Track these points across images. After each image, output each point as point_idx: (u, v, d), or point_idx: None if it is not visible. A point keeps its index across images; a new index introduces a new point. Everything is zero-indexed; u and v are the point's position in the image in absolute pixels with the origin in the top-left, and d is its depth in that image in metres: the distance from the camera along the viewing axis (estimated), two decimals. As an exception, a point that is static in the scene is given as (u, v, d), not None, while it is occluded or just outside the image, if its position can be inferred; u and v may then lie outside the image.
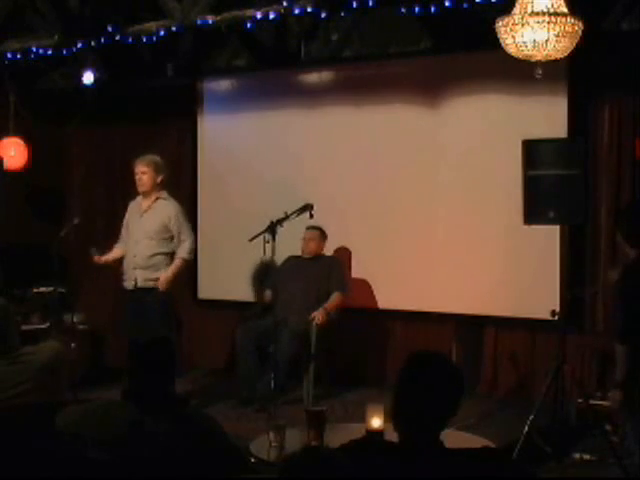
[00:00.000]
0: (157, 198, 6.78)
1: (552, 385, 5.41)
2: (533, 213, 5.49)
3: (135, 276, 6.66)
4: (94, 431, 3.03)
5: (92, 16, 7.07)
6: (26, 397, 3.52)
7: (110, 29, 7.01)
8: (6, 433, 3.32)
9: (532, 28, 4.57)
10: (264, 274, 7.28)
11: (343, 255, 7.44)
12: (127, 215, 6.94)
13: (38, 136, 8.32)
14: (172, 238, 6.69)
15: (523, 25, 4.58)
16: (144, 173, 6.76)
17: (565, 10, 4.61)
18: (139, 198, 6.85)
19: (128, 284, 6.74)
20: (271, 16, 6.45)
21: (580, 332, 6.50)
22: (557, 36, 4.59)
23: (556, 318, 5.68)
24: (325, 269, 7.10)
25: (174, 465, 2.96)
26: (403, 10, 6.21)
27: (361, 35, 6.65)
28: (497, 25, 4.71)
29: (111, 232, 8.86)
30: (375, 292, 7.37)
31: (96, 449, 2.97)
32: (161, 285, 6.59)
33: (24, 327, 6.96)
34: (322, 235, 7.18)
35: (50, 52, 7.40)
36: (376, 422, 4.18)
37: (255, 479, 3.61)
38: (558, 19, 4.56)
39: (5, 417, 3.43)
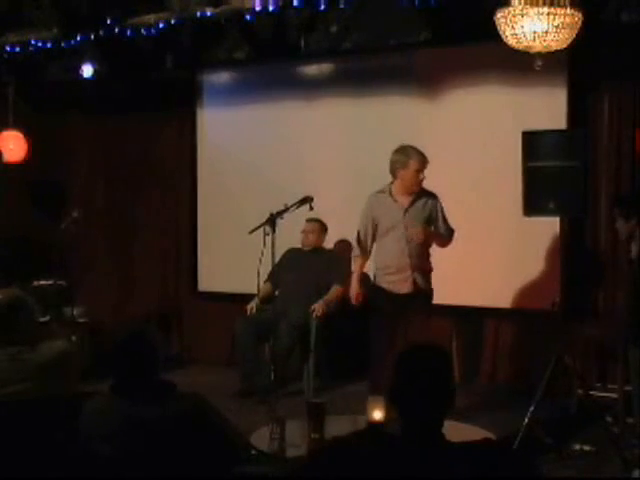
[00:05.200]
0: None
1: (552, 376, 5.41)
2: (533, 205, 5.49)
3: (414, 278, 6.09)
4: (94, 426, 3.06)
5: (91, 9, 7.06)
6: (25, 396, 3.51)
7: (109, 22, 7.01)
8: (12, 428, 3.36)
9: (531, 19, 4.56)
10: (264, 266, 7.28)
11: (343, 247, 7.43)
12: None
13: (37, 129, 8.31)
14: None
15: (522, 16, 4.58)
16: None
17: (565, 1, 4.60)
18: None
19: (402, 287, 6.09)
20: (270, 8, 6.45)
21: (580, 323, 6.49)
22: (557, 27, 4.59)
23: (556, 309, 5.69)
24: (325, 262, 7.10)
25: (169, 450, 2.99)
26: (403, 1, 6.21)
27: (360, 27, 6.64)
28: (497, 16, 4.71)
29: (111, 224, 8.93)
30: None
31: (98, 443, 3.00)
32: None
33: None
34: (322, 227, 7.18)
35: (49, 45, 7.41)
36: (377, 414, 4.18)
37: (255, 471, 3.62)
38: (557, 10, 4.56)
39: (8, 412, 3.45)
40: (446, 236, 6.16)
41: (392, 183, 6.09)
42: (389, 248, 6.06)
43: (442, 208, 6.14)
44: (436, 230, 6.12)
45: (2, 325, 3.69)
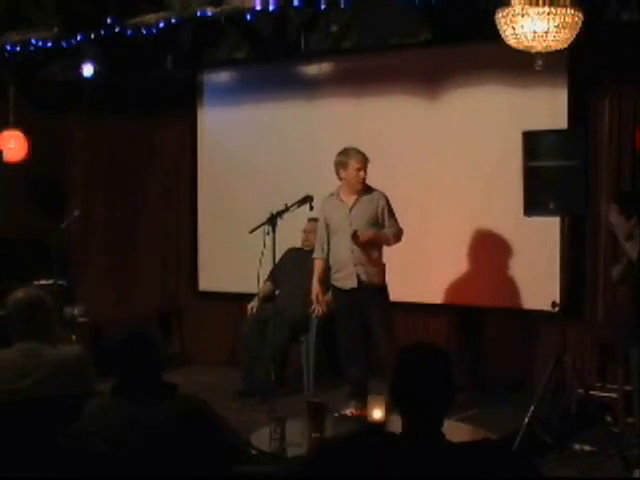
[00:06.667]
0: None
1: (552, 376, 5.41)
2: (533, 204, 5.49)
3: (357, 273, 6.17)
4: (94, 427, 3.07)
5: (91, 8, 7.06)
6: (38, 393, 3.53)
7: (110, 21, 7.00)
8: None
9: (532, 19, 4.56)
10: (264, 266, 7.28)
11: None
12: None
13: (38, 128, 8.31)
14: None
15: (523, 16, 4.58)
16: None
17: (565, 1, 4.60)
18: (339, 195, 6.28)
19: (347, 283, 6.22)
20: (271, 8, 6.45)
21: (580, 323, 6.50)
22: (557, 27, 4.59)
23: (556, 309, 5.69)
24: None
25: (169, 451, 2.99)
26: (403, 1, 6.21)
27: (361, 26, 6.64)
28: (497, 16, 4.71)
29: (111, 224, 8.93)
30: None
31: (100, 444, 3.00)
32: None
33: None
34: (322, 227, 7.18)
35: (50, 44, 7.40)
36: (377, 414, 4.19)
37: (256, 471, 3.62)
38: (558, 10, 4.56)
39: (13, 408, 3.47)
40: (389, 235, 6.26)
41: (340, 185, 6.29)
42: (337, 247, 6.27)
43: (389, 206, 6.26)
44: (380, 229, 6.22)
45: (22, 322, 3.72)
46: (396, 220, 6.26)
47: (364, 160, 6.17)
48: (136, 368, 3.11)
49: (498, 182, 6.81)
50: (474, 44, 6.68)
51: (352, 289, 6.18)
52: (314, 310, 6.70)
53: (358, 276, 6.15)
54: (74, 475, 3.05)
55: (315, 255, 6.45)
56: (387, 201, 6.25)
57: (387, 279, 6.26)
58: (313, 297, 6.46)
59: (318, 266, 6.42)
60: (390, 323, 6.29)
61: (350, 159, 6.16)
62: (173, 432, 3.00)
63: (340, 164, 6.21)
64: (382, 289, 6.25)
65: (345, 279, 6.21)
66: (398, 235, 6.27)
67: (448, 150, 7.11)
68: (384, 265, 6.28)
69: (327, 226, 6.32)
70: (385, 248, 6.30)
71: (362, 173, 6.17)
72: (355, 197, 6.22)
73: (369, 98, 7.44)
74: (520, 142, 5.51)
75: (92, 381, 3.75)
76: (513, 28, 4.64)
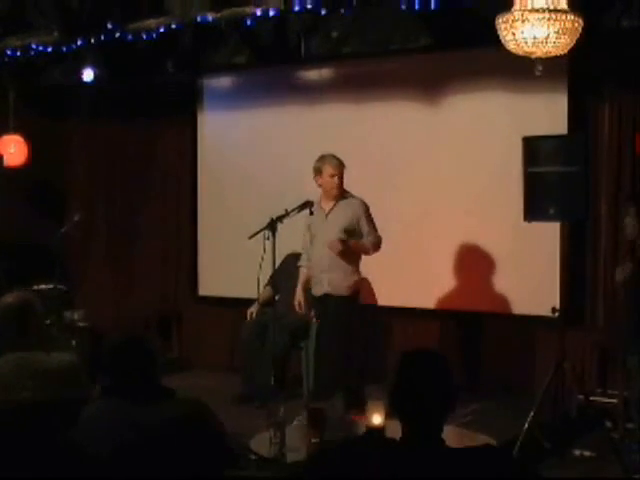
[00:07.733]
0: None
1: (552, 381, 5.41)
2: (533, 210, 5.49)
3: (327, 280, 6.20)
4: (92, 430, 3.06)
5: (92, 13, 7.06)
6: (25, 403, 3.51)
7: (110, 26, 7.01)
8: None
9: (532, 25, 4.56)
10: (264, 271, 7.27)
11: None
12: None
13: (38, 133, 8.32)
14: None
15: (523, 22, 4.57)
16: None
17: (565, 7, 4.60)
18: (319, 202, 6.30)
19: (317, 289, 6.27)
20: (271, 13, 6.46)
21: (580, 329, 6.49)
22: (557, 33, 4.59)
23: (556, 315, 5.69)
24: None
25: (166, 454, 2.99)
26: (403, 7, 6.21)
27: (361, 32, 6.64)
28: (497, 22, 4.71)
29: (111, 228, 8.93)
30: (374, 289, 7.36)
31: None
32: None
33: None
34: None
35: (50, 49, 7.41)
36: (376, 419, 4.17)
37: (255, 476, 3.62)
38: (558, 16, 4.56)
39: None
40: (368, 244, 6.22)
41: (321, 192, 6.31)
42: (313, 253, 6.30)
43: (368, 215, 6.24)
44: (356, 236, 6.19)
45: (14, 328, 3.69)
46: (375, 229, 6.23)
47: (339, 166, 6.16)
48: (131, 371, 3.11)
49: (498, 187, 6.81)
50: (474, 50, 6.68)
51: (323, 295, 6.20)
52: (314, 316, 6.70)
53: (329, 283, 6.16)
54: (73, 477, 3.05)
55: (300, 263, 6.48)
56: (366, 209, 6.22)
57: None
58: (295, 304, 6.46)
59: (302, 274, 6.45)
60: (338, 338, 6.16)
61: (324, 165, 6.17)
62: (173, 434, 3.00)
63: (316, 170, 6.22)
64: (348, 298, 6.18)
65: (315, 285, 6.26)
66: (377, 244, 6.23)
67: (448, 155, 7.11)
68: (358, 274, 6.25)
69: (310, 234, 6.33)
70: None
71: (336, 179, 6.16)
72: (332, 203, 6.23)
73: (369, 103, 7.44)
74: (520, 148, 5.52)
75: (86, 388, 3.73)
76: (513, 34, 4.64)
